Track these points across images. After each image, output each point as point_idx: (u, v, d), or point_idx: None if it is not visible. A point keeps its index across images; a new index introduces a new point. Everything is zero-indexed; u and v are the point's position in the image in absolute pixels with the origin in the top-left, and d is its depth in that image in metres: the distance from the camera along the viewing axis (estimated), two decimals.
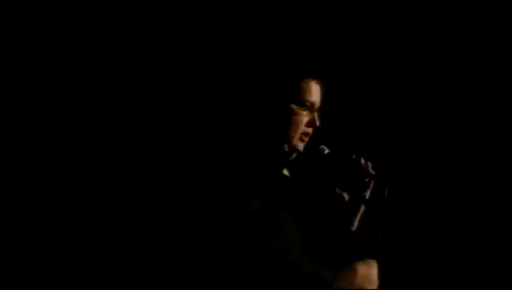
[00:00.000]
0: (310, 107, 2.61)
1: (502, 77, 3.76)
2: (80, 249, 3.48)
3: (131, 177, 3.53)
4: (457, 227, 3.76)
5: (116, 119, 3.62)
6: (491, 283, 3.69)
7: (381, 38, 3.77)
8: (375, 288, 2.53)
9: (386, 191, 2.61)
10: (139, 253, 3.35)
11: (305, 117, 2.60)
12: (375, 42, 3.78)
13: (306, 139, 2.63)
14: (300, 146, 2.62)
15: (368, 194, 2.62)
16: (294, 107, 2.59)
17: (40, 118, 3.58)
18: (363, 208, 2.65)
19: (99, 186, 3.55)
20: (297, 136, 2.60)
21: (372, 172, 2.63)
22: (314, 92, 2.62)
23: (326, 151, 2.66)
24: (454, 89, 3.79)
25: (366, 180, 2.63)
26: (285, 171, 2.67)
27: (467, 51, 3.77)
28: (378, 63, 3.79)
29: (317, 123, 2.62)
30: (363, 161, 2.63)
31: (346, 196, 2.65)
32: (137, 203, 3.48)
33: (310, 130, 2.62)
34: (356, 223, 2.63)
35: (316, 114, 2.62)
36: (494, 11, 3.72)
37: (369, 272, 2.54)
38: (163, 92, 3.63)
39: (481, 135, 3.78)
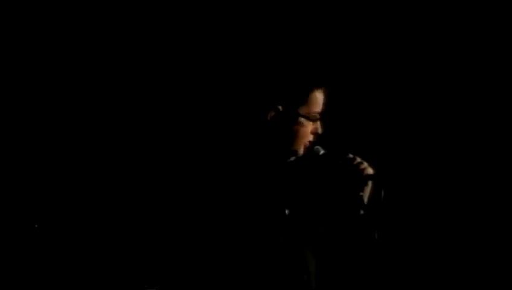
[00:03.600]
0: (316, 118, 2.62)
1: (501, 77, 3.76)
2: (80, 248, 3.48)
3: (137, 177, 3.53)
4: (454, 227, 3.76)
5: (116, 120, 3.64)
6: (486, 284, 3.70)
7: (377, 37, 3.77)
8: None
9: (383, 191, 2.60)
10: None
11: (310, 128, 2.62)
12: (371, 41, 3.78)
13: (308, 145, 2.64)
14: (301, 151, 2.64)
15: (364, 194, 2.61)
16: (302, 120, 2.59)
17: (40, 118, 3.59)
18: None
19: (103, 186, 3.56)
20: (302, 146, 2.62)
21: (369, 172, 2.61)
22: (320, 103, 2.63)
23: (322, 152, 2.64)
24: (449, 90, 3.79)
25: (363, 179, 2.62)
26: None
27: (467, 51, 3.77)
28: (372, 63, 3.79)
29: (320, 131, 2.63)
30: (359, 161, 2.62)
31: (343, 197, 2.64)
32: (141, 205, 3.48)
33: (312, 137, 2.64)
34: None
35: (319, 123, 2.63)
36: (494, 11, 3.73)
37: None
38: (179, 99, 3.66)
39: (477, 137, 3.78)
